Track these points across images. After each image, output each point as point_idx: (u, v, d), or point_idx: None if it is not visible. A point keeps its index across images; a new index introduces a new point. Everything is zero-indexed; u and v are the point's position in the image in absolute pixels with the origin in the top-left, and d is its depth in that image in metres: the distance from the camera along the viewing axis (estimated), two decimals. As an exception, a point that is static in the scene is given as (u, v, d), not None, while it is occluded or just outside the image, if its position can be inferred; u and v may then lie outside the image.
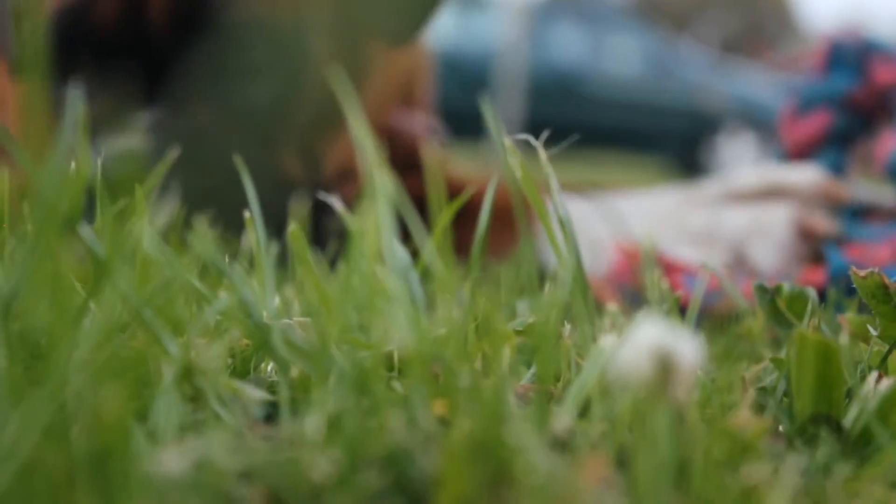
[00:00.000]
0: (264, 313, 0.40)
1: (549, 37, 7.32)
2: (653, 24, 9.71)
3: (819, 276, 0.75)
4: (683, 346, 0.31)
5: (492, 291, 0.69)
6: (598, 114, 7.11)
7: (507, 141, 0.42)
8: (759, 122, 7.15)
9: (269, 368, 0.42)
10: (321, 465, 0.31)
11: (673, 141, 7.13)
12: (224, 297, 0.38)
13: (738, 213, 0.82)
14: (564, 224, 0.44)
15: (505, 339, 0.44)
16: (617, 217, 0.76)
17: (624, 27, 7.88)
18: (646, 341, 0.31)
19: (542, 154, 0.45)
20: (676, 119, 7.16)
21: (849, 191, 0.84)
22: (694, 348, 0.31)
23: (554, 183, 0.44)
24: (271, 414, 0.38)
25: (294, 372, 0.39)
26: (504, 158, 0.42)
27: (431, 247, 0.36)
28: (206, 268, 0.41)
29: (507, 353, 0.43)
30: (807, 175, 0.84)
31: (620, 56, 7.50)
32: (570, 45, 7.48)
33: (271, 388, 0.40)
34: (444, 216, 0.39)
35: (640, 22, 8.72)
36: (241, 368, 0.41)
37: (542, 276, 0.74)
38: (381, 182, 0.34)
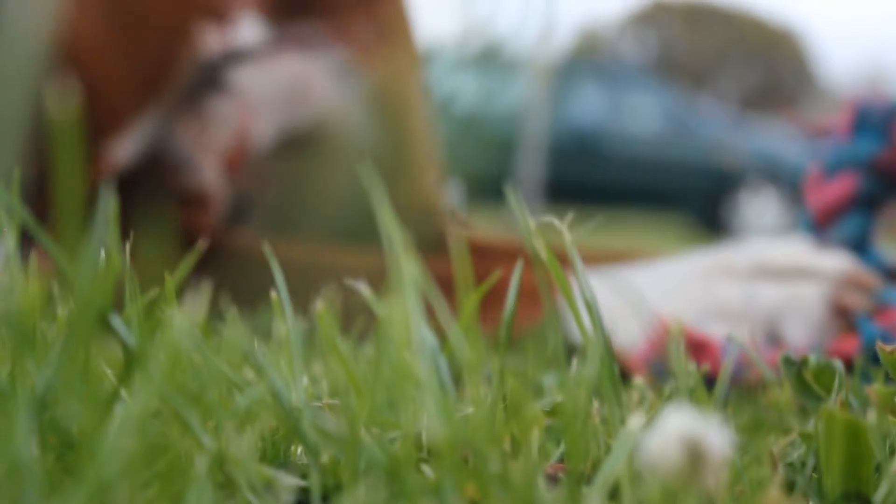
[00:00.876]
0: (293, 397, 0.40)
1: (570, 97, 7.35)
2: (671, 82, 9.75)
3: (851, 344, 0.75)
4: (713, 435, 0.31)
5: (518, 365, 0.69)
6: (618, 172, 7.13)
7: (531, 223, 0.43)
8: (780, 178, 7.15)
9: (299, 452, 0.43)
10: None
11: (694, 198, 7.14)
12: (254, 384, 0.39)
13: (771, 290, 0.82)
14: (591, 305, 0.44)
15: (534, 421, 0.44)
16: (637, 295, 0.76)
17: (643, 86, 7.91)
18: (675, 430, 0.31)
19: (567, 235, 0.45)
20: (697, 176, 7.17)
21: (876, 280, 0.84)
22: (723, 438, 0.31)
23: (579, 264, 0.45)
24: (302, 500, 0.39)
25: (325, 457, 0.39)
26: (528, 239, 0.43)
27: (458, 332, 0.37)
28: (234, 352, 0.41)
29: (535, 435, 0.44)
30: (835, 262, 0.84)
31: (640, 114, 7.53)
32: (590, 105, 7.51)
33: (302, 472, 0.41)
34: (470, 301, 0.40)
35: (658, 80, 8.76)
36: (272, 453, 0.41)
37: (567, 350, 0.74)
38: (408, 267, 0.35)
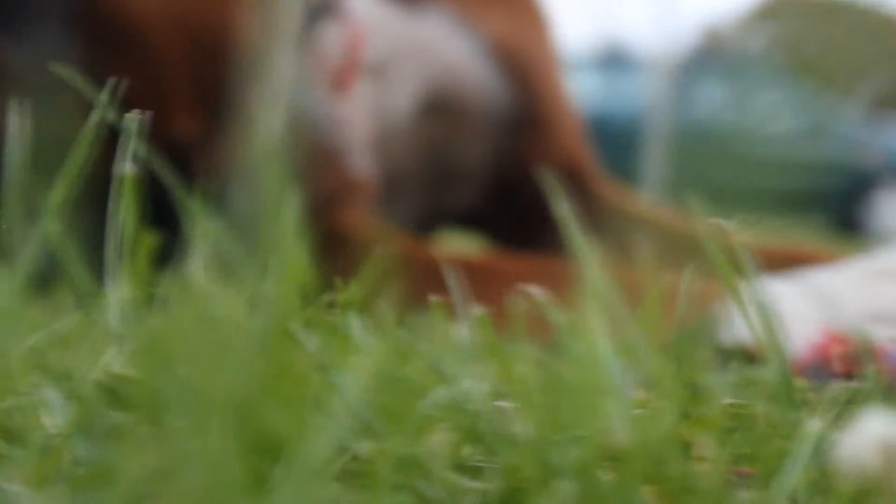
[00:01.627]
0: (475, 402, 0.41)
1: (696, 94, 7.28)
2: (805, 82, 9.60)
3: None
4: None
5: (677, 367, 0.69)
6: (748, 172, 7.04)
7: (711, 223, 0.42)
8: (916, 177, 7.00)
9: (473, 455, 0.43)
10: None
11: (828, 199, 7.02)
12: (437, 390, 0.39)
13: None
14: (765, 308, 0.44)
15: (711, 424, 0.44)
16: (821, 296, 0.75)
17: (772, 82, 7.80)
18: (873, 433, 0.30)
19: (736, 237, 0.45)
20: (830, 177, 7.05)
21: None
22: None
23: (751, 266, 0.44)
24: (483, 504, 0.39)
25: (503, 462, 0.40)
26: (704, 242, 0.43)
27: (644, 344, 0.37)
28: (420, 358, 0.42)
29: (715, 439, 0.43)
30: None
31: (770, 112, 7.43)
32: (717, 102, 7.43)
33: (480, 478, 0.41)
34: (652, 307, 0.40)
35: (788, 76, 8.63)
36: (453, 458, 0.41)
37: (723, 353, 0.73)
38: (595, 278, 0.35)
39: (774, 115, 7.41)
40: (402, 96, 0.98)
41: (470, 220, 1.10)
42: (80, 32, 0.85)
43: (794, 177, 7.10)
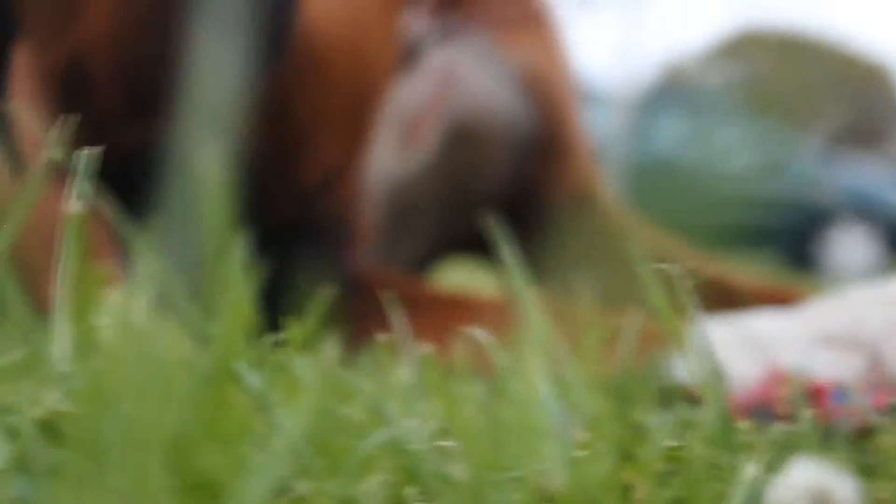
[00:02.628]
0: (413, 443, 0.41)
1: (655, 129, 7.32)
2: (761, 118, 9.67)
3: None
4: (841, 486, 0.31)
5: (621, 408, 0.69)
6: (704, 207, 7.07)
7: (648, 272, 0.43)
8: (871, 217, 7.06)
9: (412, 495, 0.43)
10: None
11: (784, 235, 7.06)
12: (376, 429, 0.40)
13: (878, 313, 0.81)
14: (705, 350, 0.44)
15: (649, 467, 0.44)
16: (760, 337, 0.76)
17: (731, 119, 7.85)
18: (803, 481, 0.31)
19: (684, 287, 0.45)
20: (787, 213, 7.10)
21: None
22: (853, 490, 0.31)
23: (693, 308, 0.45)
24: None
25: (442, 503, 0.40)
26: (645, 289, 0.43)
27: (583, 385, 0.37)
28: (360, 397, 0.42)
29: (649, 482, 0.44)
30: None
31: (727, 148, 7.47)
32: (676, 138, 7.47)
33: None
34: (590, 346, 0.40)
35: (747, 113, 8.69)
36: (391, 499, 0.42)
37: (668, 393, 0.74)
38: (535, 320, 0.35)
39: (732, 152, 7.46)
40: (431, 132, 1.00)
41: (480, 247, 1.11)
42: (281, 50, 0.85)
43: (750, 212, 7.15)
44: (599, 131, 6.58)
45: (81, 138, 0.43)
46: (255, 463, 0.34)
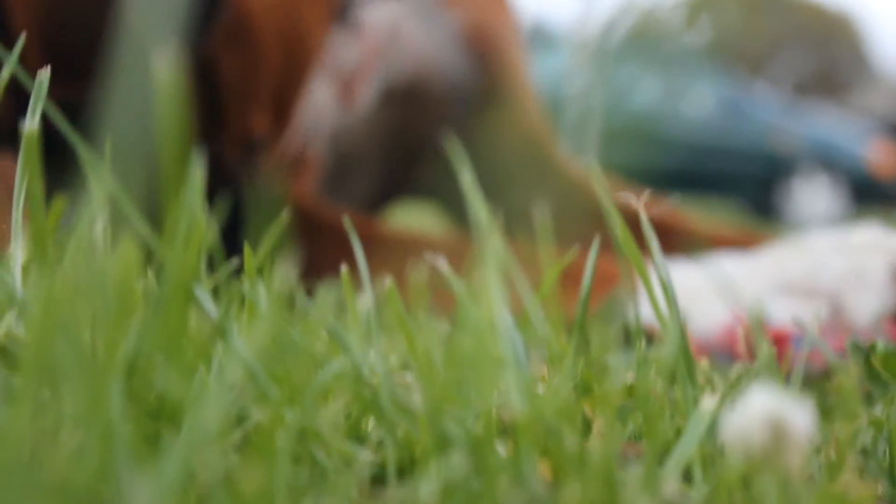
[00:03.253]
0: (372, 373, 0.41)
1: (622, 79, 7.31)
2: (726, 67, 9.67)
3: None
4: (796, 414, 0.31)
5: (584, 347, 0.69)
6: (672, 156, 7.08)
7: (611, 201, 0.43)
8: (834, 165, 7.10)
9: (372, 427, 0.43)
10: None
11: (747, 184, 7.09)
12: (335, 359, 0.39)
13: (838, 261, 0.82)
14: (666, 287, 0.44)
15: (608, 400, 0.44)
16: (724, 279, 0.76)
17: (697, 69, 7.85)
18: (758, 409, 0.31)
19: (643, 214, 0.45)
20: (750, 162, 7.12)
21: None
22: (806, 416, 0.31)
23: (655, 244, 0.45)
24: (378, 476, 0.39)
25: (400, 432, 0.40)
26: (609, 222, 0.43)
27: (537, 310, 0.37)
28: (317, 326, 0.42)
29: (608, 415, 0.44)
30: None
31: (694, 98, 7.48)
32: (642, 88, 7.46)
33: (377, 449, 0.41)
34: (550, 278, 0.40)
35: (713, 64, 8.69)
36: (349, 428, 0.41)
37: (630, 331, 0.74)
38: (492, 246, 0.35)
39: (696, 100, 7.46)
40: (370, 88, 1.01)
41: (432, 193, 1.13)
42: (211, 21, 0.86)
43: (716, 161, 7.17)
44: (568, 80, 6.55)
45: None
46: (212, 389, 0.34)
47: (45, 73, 0.42)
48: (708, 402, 0.40)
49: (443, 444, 0.36)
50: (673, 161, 7.05)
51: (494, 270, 0.34)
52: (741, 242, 0.99)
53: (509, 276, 0.38)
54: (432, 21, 1.05)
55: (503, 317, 0.35)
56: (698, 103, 7.47)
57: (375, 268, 0.51)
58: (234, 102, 0.88)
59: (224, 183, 0.86)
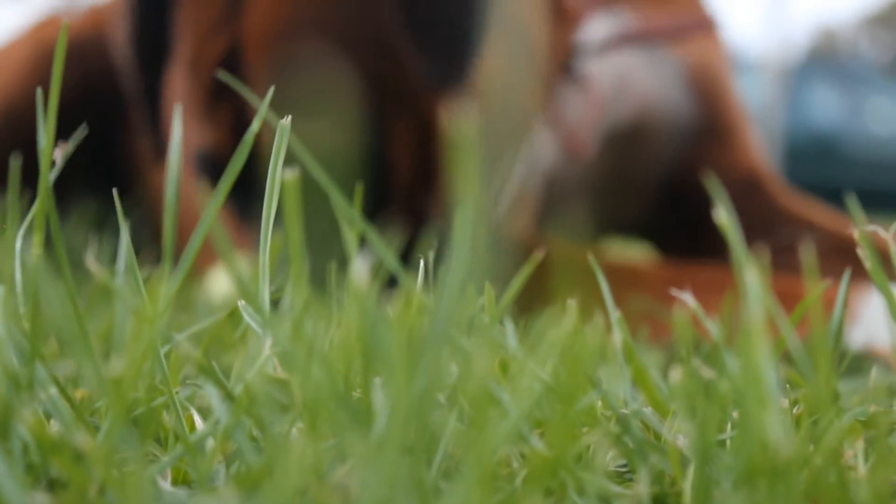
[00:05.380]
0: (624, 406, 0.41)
1: (807, 98, 7.19)
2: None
3: None
4: None
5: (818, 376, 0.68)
6: (860, 175, 6.94)
7: (863, 232, 0.42)
8: None
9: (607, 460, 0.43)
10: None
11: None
12: (593, 395, 0.39)
13: None
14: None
15: (856, 432, 0.44)
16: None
17: (883, 87, 7.69)
18: None
19: (892, 244, 0.44)
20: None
21: None
22: None
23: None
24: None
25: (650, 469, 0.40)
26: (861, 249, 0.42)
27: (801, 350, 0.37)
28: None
29: (860, 446, 0.43)
30: None
31: (881, 116, 7.33)
32: (828, 106, 7.34)
33: (619, 482, 0.41)
34: (820, 324, 0.39)
35: (896, 81, 8.50)
36: (603, 464, 0.41)
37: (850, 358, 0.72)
38: (755, 285, 0.35)
39: (885, 119, 7.30)
40: (595, 137, 1.03)
41: (640, 229, 1.14)
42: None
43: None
44: (751, 100, 6.47)
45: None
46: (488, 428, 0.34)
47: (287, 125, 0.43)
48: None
49: (705, 480, 0.36)
50: (857, 179, 6.90)
51: (759, 310, 0.34)
52: None
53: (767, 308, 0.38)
54: (659, 66, 1.06)
55: (767, 358, 0.35)
56: (882, 120, 7.31)
57: (597, 297, 0.51)
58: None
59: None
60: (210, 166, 0.90)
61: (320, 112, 0.82)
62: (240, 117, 0.88)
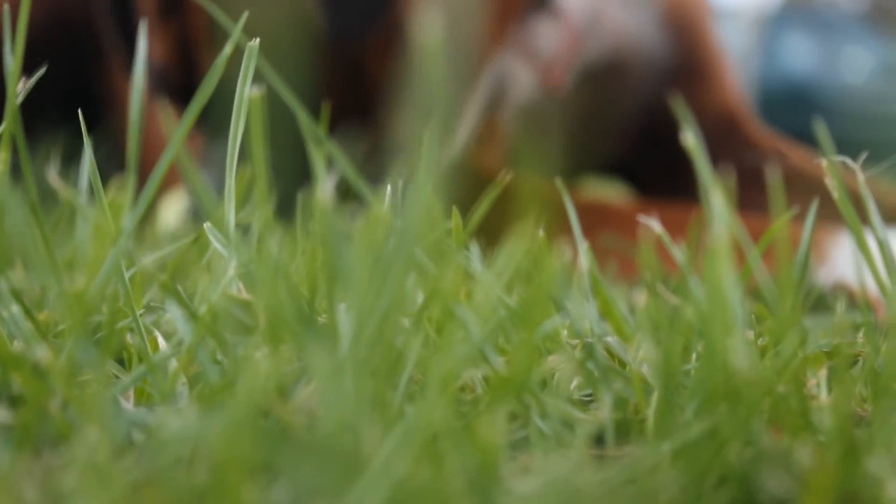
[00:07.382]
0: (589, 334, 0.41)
1: (783, 46, 7.18)
2: (886, 32, 9.43)
3: None
4: None
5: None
6: (834, 124, 6.95)
7: (826, 160, 0.42)
8: None
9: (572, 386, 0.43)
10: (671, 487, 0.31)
11: (912, 153, 6.92)
12: (556, 320, 0.39)
13: None
14: (884, 247, 0.43)
15: (819, 362, 0.44)
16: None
17: (857, 36, 7.69)
18: None
19: (860, 175, 0.44)
20: (915, 129, 6.95)
21: None
22: None
23: (872, 205, 0.44)
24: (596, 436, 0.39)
25: (613, 395, 0.40)
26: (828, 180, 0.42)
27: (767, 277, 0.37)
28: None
29: (822, 375, 0.43)
30: None
31: (854, 65, 7.33)
32: (803, 55, 7.33)
33: (583, 409, 0.41)
34: (785, 254, 0.39)
35: (873, 30, 8.50)
36: (566, 388, 0.41)
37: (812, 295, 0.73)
38: (722, 211, 0.35)
39: (858, 68, 7.31)
40: (571, 72, 1.02)
41: (617, 169, 1.13)
42: None
43: (876, 129, 7.01)
44: (727, 47, 6.45)
45: None
46: (446, 347, 0.34)
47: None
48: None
49: (667, 406, 0.36)
50: (831, 128, 6.91)
51: (724, 231, 0.34)
52: None
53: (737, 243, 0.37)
54: (634, 4, 1.06)
55: (733, 284, 0.35)
56: (857, 70, 7.31)
57: (566, 231, 0.51)
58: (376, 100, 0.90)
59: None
60: (159, 82, 0.90)
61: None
62: (184, 34, 0.89)
